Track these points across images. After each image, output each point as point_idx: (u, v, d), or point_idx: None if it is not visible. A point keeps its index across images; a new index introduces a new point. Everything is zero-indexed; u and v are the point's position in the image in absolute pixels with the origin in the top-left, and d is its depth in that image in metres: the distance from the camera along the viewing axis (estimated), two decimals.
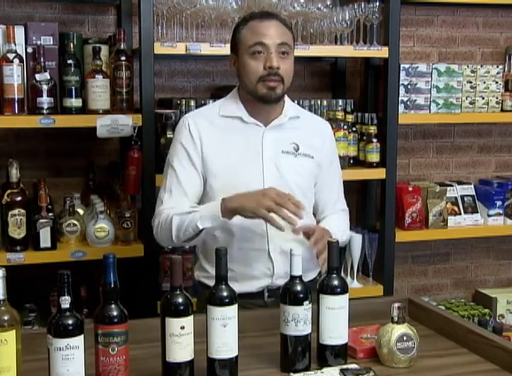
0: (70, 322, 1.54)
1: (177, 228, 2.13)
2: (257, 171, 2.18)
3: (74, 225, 2.91)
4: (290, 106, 2.28)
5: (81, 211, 3.00)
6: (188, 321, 1.64)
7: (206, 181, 2.20)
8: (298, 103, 3.09)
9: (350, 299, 1.83)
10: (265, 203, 1.98)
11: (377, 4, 3.11)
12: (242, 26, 2.19)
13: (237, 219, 2.08)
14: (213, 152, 2.18)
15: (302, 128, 2.28)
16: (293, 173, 2.22)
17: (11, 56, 2.72)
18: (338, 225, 2.30)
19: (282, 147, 2.22)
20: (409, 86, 3.29)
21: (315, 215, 2.36)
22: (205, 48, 2.87)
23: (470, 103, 3.42)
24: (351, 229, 3.23)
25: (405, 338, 1.81)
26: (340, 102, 3.23)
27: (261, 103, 2.18)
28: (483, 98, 3.44)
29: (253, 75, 2.13)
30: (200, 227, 2.09)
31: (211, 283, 2.12)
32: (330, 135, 2.40)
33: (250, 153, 2.19)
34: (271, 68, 2.11)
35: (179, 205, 2.15)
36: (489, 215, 3.55)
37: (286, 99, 2.27)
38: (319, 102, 3.17)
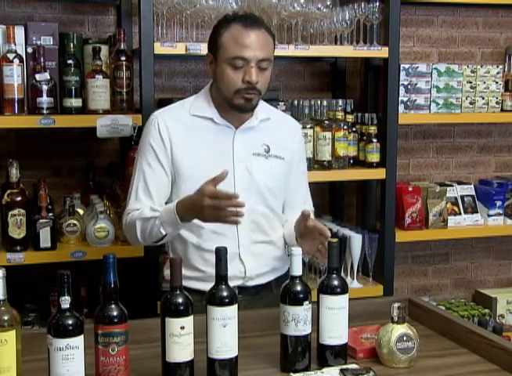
0: (70, 322, 1.54)
1: (141, 233, 2.15)
2: (228, 173, 2.17)
3: (74, 225, 2.91)
4: (261, 107, 2.25)
5: (81, 211, 3.00)
6: (188, 321, 1.64)
7: (175, 181, 2.19)
8: (298, 103, 3.10)
9: (350, 299, 1.83)
10: (210, 215, 1.98)
11: (377, 4, 3.11)
12: (223, 29, 2.13)
13: (207, 223, 2.10)
14: (183, 153, 2.16)
15: (273, 129, 2.27)
16: (264, 175, 2.21)
17: (11, 56, 2.72)
18: None
19: (253, 149, 2.21)
20: (409, 86, 3.29)
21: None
22: (205, 49, 2.81)
23: (470, 103, 3.42)
24: (351, 229, 3.27)
25: (405, 338, 1.81)
26: (340, 102, 3.22)
27: (235, 111, 2.17)
28: (483, 98, 3.43)
29: (231, 86, 2.11)
30: (164, 233, 2.11)
31: (186, 283, 2.08)
32: (300, 134, 2.40)
33: (221, 155, 2.18)
34: (249, 83, 2.09)
35: (145, 208, 2.16)
36: (489, 215, 3.55)
37: None
38: (319, 102, 3.16)
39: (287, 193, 2.31)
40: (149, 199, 2.17)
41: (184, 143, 2.17)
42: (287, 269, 2.28)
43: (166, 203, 2.21)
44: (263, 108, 2.27)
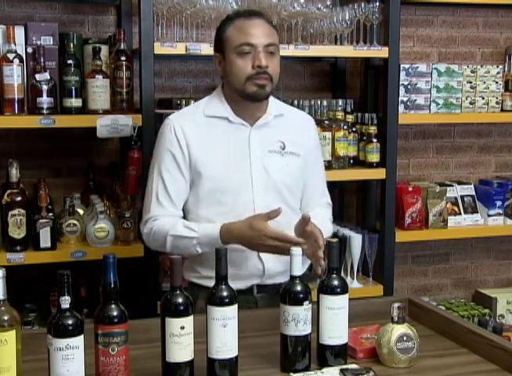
0: (70, 322, 1.54)
1: (171, 247, 2.16)
2: (246, 172, 2.17)
3: (74, 225, 2.91)
4: (273, 103, 2.26)
5: (81, 211, 3.00)
6: (188, 321, 1.64)
7: (193, 183, 2.19)
8: (298, 103, 3.10)
9: (350, 299, 1.83)
10: (267, 250, 2.05)
11: (377, 4, 3.11)
12: (227, 25, 2.17)
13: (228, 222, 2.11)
14: (201, 154, 2.17)
15: (287, 125, 2.27)
16: (280, 173, 2.21)
17: (11, 56, 2.72)
18: (323, 223, 2.24)
19: (268, 146, 2.22)
20: (409, 86, 3.29)
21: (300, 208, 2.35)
22: (205, 48, 2.86)
23: (470, 103, 3.42)
24: (351, 229, 3.27)
25: (405, 338, 1.81)
26: (340, 102, 3.22)
27: (248, 102, 2.17)
28: (483, 98, 3.43)
29: (241, 74, 2.12)
30: (200, 252, 2.13)
31: (203, 282, 2.12)
32: (314, 129, 2.40)
33: (238, 153, 2.18)
34: (259, 67, 2.10)
35: (168, 215, 2.17)
36: (489, 215, 3.55)
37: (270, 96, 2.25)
38: (319, 102, 3.16)
39: (305, 189, 2.31)
40: (170, 203, 2.18)
41: (201, 144, 2.18)
42: (305, 269, 2.28)
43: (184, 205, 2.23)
44: (276, 104, 2.28)
